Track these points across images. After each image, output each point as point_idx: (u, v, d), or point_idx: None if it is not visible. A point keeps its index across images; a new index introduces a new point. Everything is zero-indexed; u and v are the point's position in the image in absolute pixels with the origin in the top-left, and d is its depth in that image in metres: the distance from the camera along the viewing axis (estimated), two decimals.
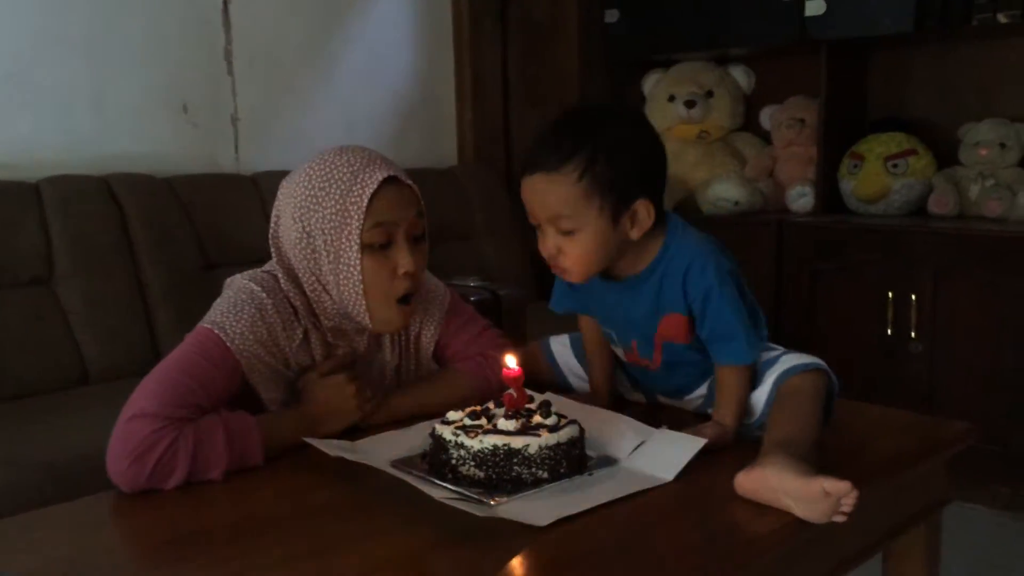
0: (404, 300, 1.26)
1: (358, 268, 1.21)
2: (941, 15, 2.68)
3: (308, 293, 1.26)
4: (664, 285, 1.22)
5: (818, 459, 1.05)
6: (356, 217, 1.19)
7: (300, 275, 1.25)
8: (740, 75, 3.40)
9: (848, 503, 0.98)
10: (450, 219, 3.24)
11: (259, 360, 1.21)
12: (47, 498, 1.62)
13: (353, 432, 1.25)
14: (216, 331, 1.18)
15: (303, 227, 1.22)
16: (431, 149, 3.50)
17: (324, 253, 1.21)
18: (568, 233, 1.17)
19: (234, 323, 1.19)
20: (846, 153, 2.96)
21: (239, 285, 1.25)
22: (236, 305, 1.21)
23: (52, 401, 2.12)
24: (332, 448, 1.13)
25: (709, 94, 3.35)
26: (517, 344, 1.46)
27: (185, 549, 0.97)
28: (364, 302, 1.22)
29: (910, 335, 2.63)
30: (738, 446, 1.19)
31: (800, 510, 0.99)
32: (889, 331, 2.68)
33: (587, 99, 3.45)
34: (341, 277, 1.21)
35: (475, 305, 2.49)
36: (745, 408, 1.23)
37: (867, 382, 2.67)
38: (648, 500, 1.04)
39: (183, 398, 1.12)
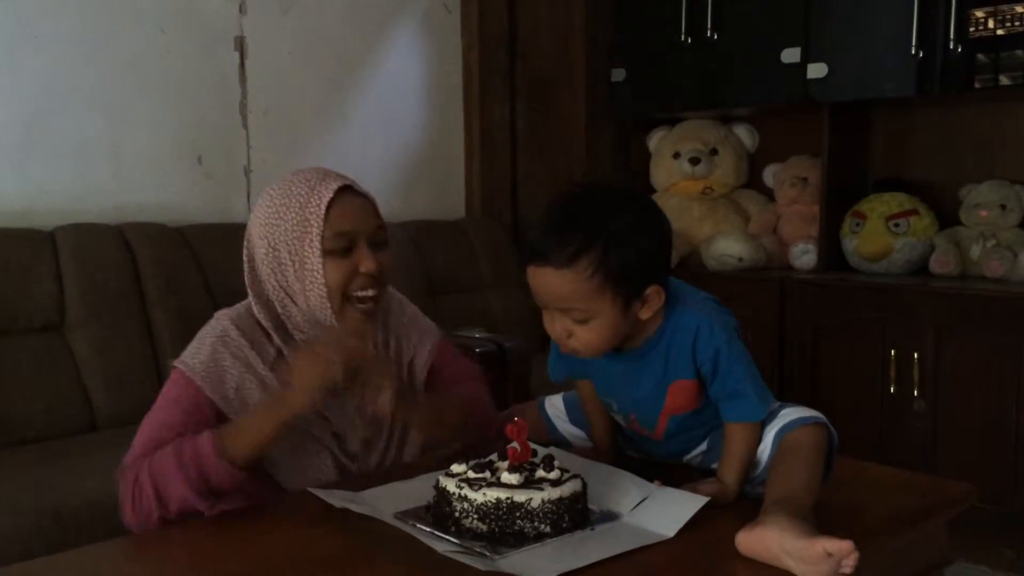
0: (367, 302, 1.30)
1: (321, 272, 1.26)
2: (943, 78, 2.72)
3: (278, 308, 1.31)
4: (671, 353, 1.22)
5: (817, 516, 1.06)
6: (316, 224, 1.26)
7: (269, 291, 1.31)
8: (744, 133, 3.46)
9: (849, 564, 0.98)
10: (457, 271, 3.27)
11: (227, 382, 1.26)
12: (53, 545, 1.63)
13: (358, 483, 1.26)
14: (180, 367, 1.27)
15: (268, 242, 1.29)
16: (439, 202, 3.55)
17: (289, 263, 1.28)
18: (580, 322, 1.17)
19: (195, 355, 1.28)
20: (848, 212, 3.00)
21: (208, 323, 1.33)
22: (199, 339, 1.30)
23: (60, 447, 2.13)
24: (337, 499, 1.14)
25: (713, 151, 3.41)
26: (520, 395, 1.48)
27: None
28: (329, 305, 1.28)
29: (912, 393, 2.64)
30: (739, 503, 1.20)
31: (801, 570, 0.99)
32: (892, 389, 2.68)
33: (594, 154, 3.51)
34: (307, 283, 1.27)
35: (480, 357, 2.52)
36: (749, 467, 1.23)
37: (869, 440, 2.67)
38: (649, 556, 1.04)
39: (156, 441, 1.21)
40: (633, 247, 1.15)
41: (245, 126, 2.95)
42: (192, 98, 2.82)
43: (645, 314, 1.19)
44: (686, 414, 1.27)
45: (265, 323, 1.31)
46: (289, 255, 1.28)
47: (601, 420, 1.39)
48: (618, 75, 3.47)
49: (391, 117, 3.37)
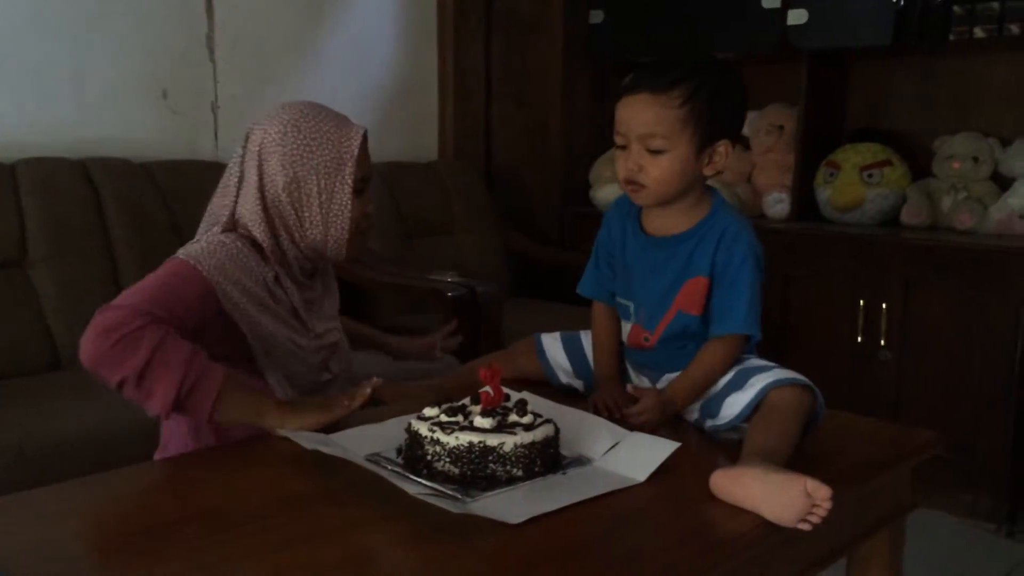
0: (365, 235, 1.45)
1: (349, 208, 1.38)
2: (920, 29, 2.71)
3: (284, 233, 1.37)
4: (698, 248, 1.30)
5: (788, 463, 1.08)
6: (350, 164, 1.38)
7: (283, 215, 1.36)
8: None
9: (820, 512, 1.00)
10: (429, 214, 3.24)
11: (235, 286, 1.29)
12: (17, 484, 1.59)
13: (329, 427, 1.25)
14: (191, 262, 1.27)
15: (294, 173, 1.36)
16: (412, 143, 3.50)
17: (316, 196, 1.37)
18: (655, 153, 1.25)
19: (208, 257, 1.28)
20: (823, 161, 2.99)
21: (208, 239, 1.34)
22: (210, 245, 1.31)
23: (22, 385, 2.09)
24: (307, 441, 1.13)
25: None
26: (492, 340, 1.48)
27: (157, 538, 0.96)
28: (347, 236, 1.39)
29: (879, 343, 2.67)
30: (709, 450, 1.21)
31: (771, 510, 1.00)
32: (859, 339, 2.71)
33: (570, 98, 3.46)
34: (332, 215, 1.38)
35: (452, 301, 2.51)
36: (698, 394, 1.28)
37: (836, 389, 2.68)
38: (620, 500, 1.05)
39: (157, 303, 1.20)
40: (720, 95, 1.26)
41: (212, 60, 2.86)
42: (157, 30, 2.73)
43: (710, 170, 1.29)
44: (685, 321, 1.31)
45: (267, 246, 1.35)
46: (318, 188, 1.36)
47: (611, 344, 1.43)
48: (596, 16, 3.40)
49: (364, 54, 3.30)
